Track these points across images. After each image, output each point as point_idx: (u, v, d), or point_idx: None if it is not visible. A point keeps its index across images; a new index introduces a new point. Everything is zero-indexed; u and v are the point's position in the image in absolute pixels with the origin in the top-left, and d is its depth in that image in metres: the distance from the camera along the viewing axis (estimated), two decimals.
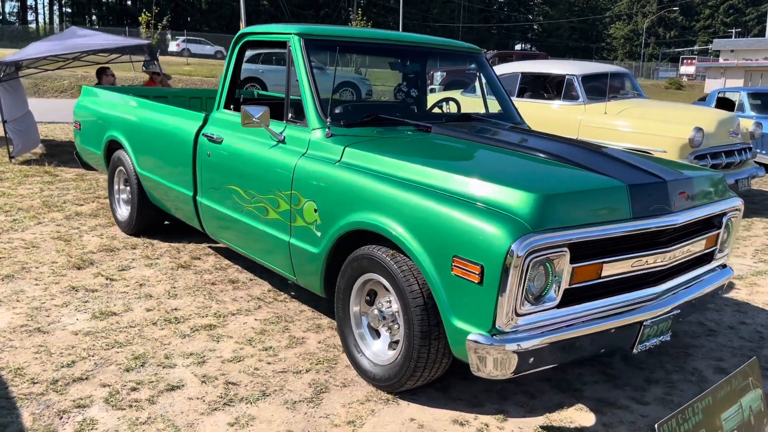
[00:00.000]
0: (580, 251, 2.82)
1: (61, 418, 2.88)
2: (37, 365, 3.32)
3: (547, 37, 74.78)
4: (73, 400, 3.01)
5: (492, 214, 2.74)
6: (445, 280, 2.85)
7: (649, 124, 7.70)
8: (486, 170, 3.12)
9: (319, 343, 3.77)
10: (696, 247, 3.42)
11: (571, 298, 2.88)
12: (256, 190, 3.92)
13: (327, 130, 3.63)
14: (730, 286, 5.18)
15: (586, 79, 8.64)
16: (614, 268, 2.96)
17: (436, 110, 5.20)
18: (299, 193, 3.60)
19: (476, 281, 2.71)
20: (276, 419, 2.96)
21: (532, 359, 2.79)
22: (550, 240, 2.66)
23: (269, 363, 3.50)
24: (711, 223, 3.59)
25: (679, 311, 3.28)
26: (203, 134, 4.43)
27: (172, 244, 5.48)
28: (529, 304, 2.73)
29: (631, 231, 2.95)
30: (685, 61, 59.13)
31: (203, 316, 4.05)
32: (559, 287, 2.78)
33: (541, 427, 3.04)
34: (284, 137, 3.85)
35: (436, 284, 2.88)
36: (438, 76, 18.47)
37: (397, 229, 3.02)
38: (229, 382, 3.26)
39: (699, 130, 7.41)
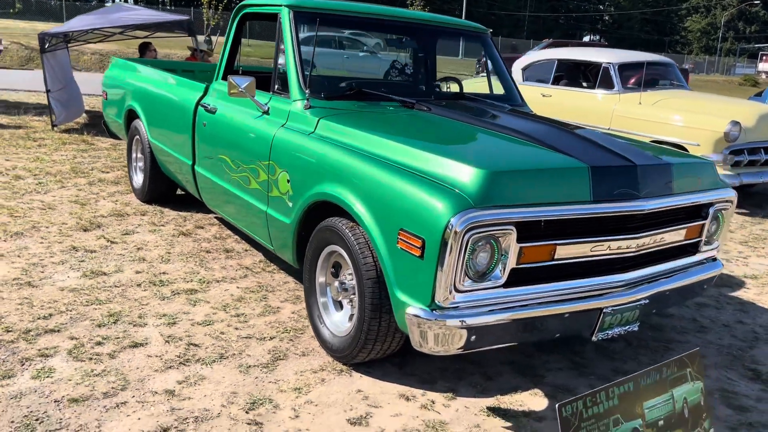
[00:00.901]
0: (529, 231, 2.76)
1: (23, 364, 3.02)
2: (16, 315, 3.48)
3: (618, 29, 72.52)
4: (39, 350, 3.15)
5: (438, 188, 2.71)
6: (392, 253, 2.84)
7: (683, 116, 7.41)
8: (445, 146, 3.08)
9: (293, 313, 3.82)
10: (672, 236, 3.30)
11: (521, 278, 2.83)
12: (241, 160, 3.99)
13: (306, 101, 3.65)
14: (733, 283, 4.96)
15: (624, 67, 8.37)
16: (570, 251, 2.88)
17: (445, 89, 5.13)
18: (275, 164, 3.64)
19: (418, 255, 2.69)
20: (225, 381, 3.02)
21: (474, 337, 2.75)
22: (492, 217, 2.61)
23: (236, 329, 3.57)
24: (697, 213, 3.44)
25: (648, 302, 3.17)
26: (201, 104, 4.52)
27: (180, 213, 5.62)
28: (471, 281, 2.69)
29: (590, 214, 2.86)
30: (764, 57, 56.35)
31: (188, 281, 4.16)
32: (505, 266, 2.73)
33: (488, 407, 3.00)
34: (268, 108, 3.89)
35: (384, 257, 2.88)
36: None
37: (353, 201, 3.03)
38: (192, 344, 3.35)
39: (736, 123, 7.08)
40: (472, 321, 2.70)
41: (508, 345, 2.94)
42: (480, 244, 2.65)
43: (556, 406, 2.02)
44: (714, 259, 3.71)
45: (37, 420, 2.61)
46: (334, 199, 3.14)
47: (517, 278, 2.81)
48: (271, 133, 3.71)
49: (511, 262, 2.74)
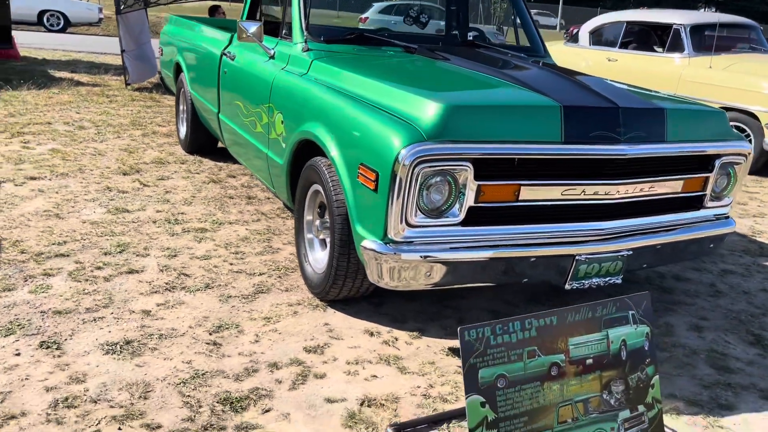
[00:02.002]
0: (490, 169, 2.71)
1: (26, 281, 3.29)
2: (35, 241, 3.78)
3: (735, 0, 67.52)
4: (44, 270, 3.42)
5: (395, 122, 2.70)
6: (353, 187, 2.87)
7: (750, 80, 6.90)
8: (416, 83, 3.06)
9: (290, 254, 3.93)
10: (666, 188, 3.13)
11: (483, 218, 2.79)
12: (250, 104, 4.11)
13: (304, 44, 3.71)
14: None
15: (696, 29, 7.87)
16: (537, 194, 2.81)
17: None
18: (274, 106, 3.73)
19: (372, 188, 2.71)
20: (202, 307, 3.17)
21: (429, 274, 2.75)
22: (444, 151, 2.58)
23: (231, 264, 3.71)
24: (699, 165, 3.25)
25: (631, 253, 3.04)
26: (223, 53, 4.67)
27: (217, 163, 5.85)
28: (426, 217, 2.68)
29: (557, 155, 2.77)
30: None
31: (202, 222, 4.35)
32: (463, 204, 2.70)
33: (450, 348, 2.99)
34: (274, 52, 3.97)
35: (347, 191, 2.91)
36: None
37: (326, 138, 3.07)
38: (183, 274, 3.52)
39: None
40: (424, 257, 2.69)
41: (472, 286, 2.91)
42: (435, 179, 2.63)
43: (458, 329, 2.01)
44: (726, 217, 3.49)
45: (19, 325, 2.85)
46: (313, 137, 3.19)
47: (478, 218, 2.77)
48: (272, 75, 3.80)
49: (469, 200, 2.71)
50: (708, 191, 3.30)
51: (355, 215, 2.87)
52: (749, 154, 3.36)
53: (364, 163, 2.77)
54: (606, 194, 2.93)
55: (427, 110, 2.66)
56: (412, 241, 2.70)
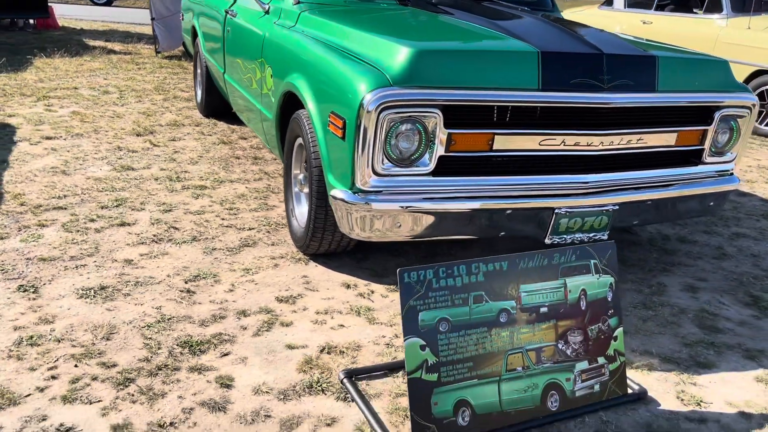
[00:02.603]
0: (460, 117, 2.63)
1: (20, 230, 3.38)
2: (36, 194, 3.88)
3: None
4: (39, 221, 3.51)
5: (364, 68, 2.65)
6: (325, 136, 2.84)
7: None
8: (393, 32, 2.98)
9: (284, 211, 3.93)
10: (658, 140, 3.00)
11: (456, 168, 2.72)
12: (247, 60, 4.10)
13: None
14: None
15: None
16: (512, 144, 2.72)
17: None
18: (265, 60, 3.71)
19: (340, 136, 2.67)
20: (184, 258, 3.21)
21: (400, 225, 2.71)
22: (411, 97, 2.52)
23: (223, 219, 3.74)
24: (697, 117, 3.10)
25: (617, 208, 2.93)
26: (227, 11, 4.66)
27: (231, 126, 5.89)
28: (394, 165, 2.63)
29: (532, 102, 2.67)
30: None
31: (203, 180, 4.39)
32: (433, 153, 2.64)
33: None
34: (269, 7, 3.94)
35: (320, 141, 2.88)
36: None
37: (304, 89, 3.04)
38: (173, 227, 3.56)
39: None
40: (393, 206, 2.65)
41: (448, 238, 2.86)
42: (404, 126, 2.57)
43: (398, 270, 1.97)
44: (730, 174, 3.32)
45: (2, 270, 2.93)
46: (294, 89, 3.16)
47: (450, 168, 2.71)
48: (265, 30, 3.77)
49: (440, 150, 2.64)
50: (707, 146, 3.15)
51: (327, 165, 2.84)
52: (754, 106, 3.18)
53: (333, 111, 2.73)
54: (588, 145, 2.82)
55: (396, 55, 2.59)
56: (381, 191, 2.66)
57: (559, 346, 2.19)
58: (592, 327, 2.25)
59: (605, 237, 3.00)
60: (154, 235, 3.43)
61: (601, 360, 2.26)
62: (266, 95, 3.70)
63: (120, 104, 6.43)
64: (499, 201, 2.76)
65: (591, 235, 2.97)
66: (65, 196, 3.89)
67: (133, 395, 2.15)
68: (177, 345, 2.45)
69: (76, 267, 3.02)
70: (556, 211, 2.82)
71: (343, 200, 2.68)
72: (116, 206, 3.79)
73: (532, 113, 2.71)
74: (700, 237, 3.98)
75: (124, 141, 5.14)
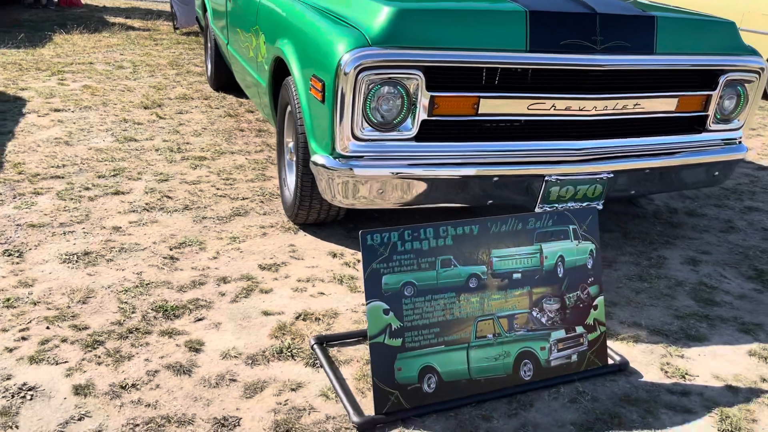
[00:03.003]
0: (444, 79, 2.55)
1: (15, 198, 3.40)
2: (36, 164, 3.90)
3: None
4: (35, 189, 3.52)
5: (343, 28, 2.58)
6: (308, 100, 2.78)
7: None
8: None
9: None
10: (657, 105, 2.87)
11: (440, 134, 2.64)
12: (245, 29, 4.05)
13: None
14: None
15: None
16: (499, 108, 2.63)
17: None
18: (259, 27, 3.65)
19: (320, 99, 2.61)
20: (173, 226, 3.19)
21: (383, 191, 2.65)
22: (389, 57, 2.44)
23: (218, 189, 3.72)
24: (700, 82, 2.96)
25: (611, 176, 2.82)
26: None
27: (240, 99, 5.86)
28: (374, 130, 2.56)
29: (519, 64, 2.57)
30: None
31: (204, 151, 4.37)
32: (415, 117, 2.57)
33: None
34: None
35: (303, 105, 2.83)
36: None
37: (290, 53, 2.98)
38: (166, 196, 3.55)
39: None
40: (374, 172, 2.59)
41: (434, 206, 2.79)
42: (384, 89, 2.50)
43: (360, 233, 1.91)
44: (738, 143, 3.18)
45: None
46: (281, 53, 3.10)
47: (434, 133, 2.63)
48: None
49: (422, 113, 2.56)
50: (711, 112, 3.01)
51: (310, 131, 2.78)
52: (762, 70, 3.02)
53: (315, 74, 2.67)
54: (580, 110, 2.72)
55: (376, 15, 2.51)
56: (362, 156, 2.60)
57: (534, 313, 2.12)
58: (570, 295, 2.16)
59: (600, 207, 2.90)
60: (146, 204, 3.42)
61: (579, 329, 2.18)
62: (260, 63, 3.64)
63: (132, 78, 6.44)
64: (485, 168, 2.68)
65: (584, 204, 2.87)
66: (64, 165, 3.91)
67: (99, 357, 2.14)
68: (152, 309, 2.44)
69: (64, 233, 3.02)
70: (547, 178, 2.72)
71: (323, 166, 2.62)
72: (113, 176, 3.79)
73: (519, 76, 2.61)
74: (709, 210, 3.83)
75: (130, 114, 5.15)
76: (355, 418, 1.90)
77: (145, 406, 1.93)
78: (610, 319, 2.56)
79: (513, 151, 2.70)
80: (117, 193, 3.55)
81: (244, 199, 3.59)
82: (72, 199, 3.43)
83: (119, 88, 6.00)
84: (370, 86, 2.46)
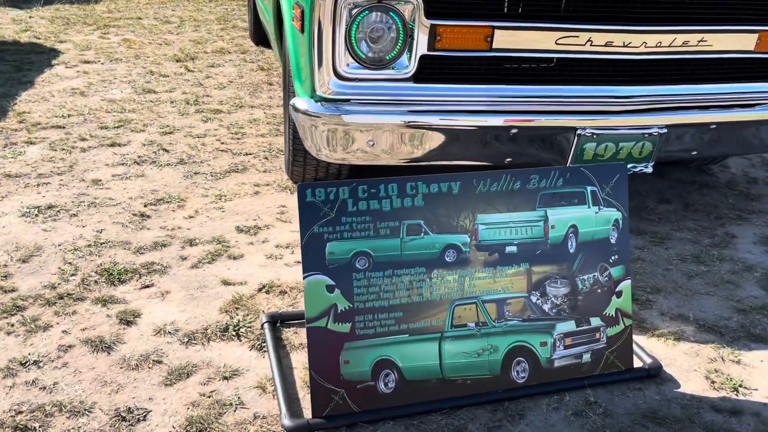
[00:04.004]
0: (448, 3, 2.06)
1: (5, 147, 3.17)
2: (41, 113, 3.67)
3: None
4: (29, 138, 3.28)
5: None
6: (292, 33, 2.36)
7: None
8: None
9: None
10: (726, 42, 2.28)
11: (445, 73, 2.16)
12: None
13: None
14: None
15: None
16: (519, 41, 2.12)
17: None
18: None
19: (299, 28, 2.19)
20: (159, 181, 2.87)
21: (373, 143, 2.21)
22: None
23: (222, 143, 3.37)
24: None
25: (665, 131, 2.27)
26: None
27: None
28: (362, 66, 2.11)
29: None
30: None
31: (222, 104, 4.03)
32: (413, 52, 2.10)
33: None
34: None
35: (289, 41, 2.41)
36: None
37: None
38: (164, 149, 3.23)
39: None
40: (358, 119, 2.15)
41: (439, 164, 2.32)
42: (373, 15, 2.04)
43: (298, 185, 1.48)
44: None
45: None
46: None
47: (436, 72, 2.15)
48: None
49: (421, 47, 2.09)
50: None
51: (294, 70, 2.36)
52: None
53: (297, 0, 2.24)
54: (626, 46, 2.16)
55: None
56: (348, 99, 2.16)
57: (533, 299, 1.64)
58: (585, 277, 1.67)
59: (648, 170, 2.36)
60: (139, 157, 3.12)
61: (595, 322, 1.68)
62: (270, 2, 3.24)
63: (175, 33, 6.19)
64: (501, 117, 2.18)
65: (629, 166, 2.33)
66: (70, 115, 3.66)
67: (12, 326, 1.82)
68: (96, 272, 2.11)
69: (38, 185, 2.75)
70: (580, 132, 2.20)
71: (303, 111, 2.20)
72: (116, 127, 3.51)
73: (547, 2, 2.09)
74: None
75: (160, 66, 4.88)
76: (286, 421, 1.50)
77: (40, 389, 1.60)
78: (648, 308, 2.04)
79: (536, 97, 2.19)
80: (113, 144, 3.26)
81: (247, 154, 3.22)
82: (64, 149, 3.16)
83: (157, 42, 5.75)
84: (354, 11, 2.00)
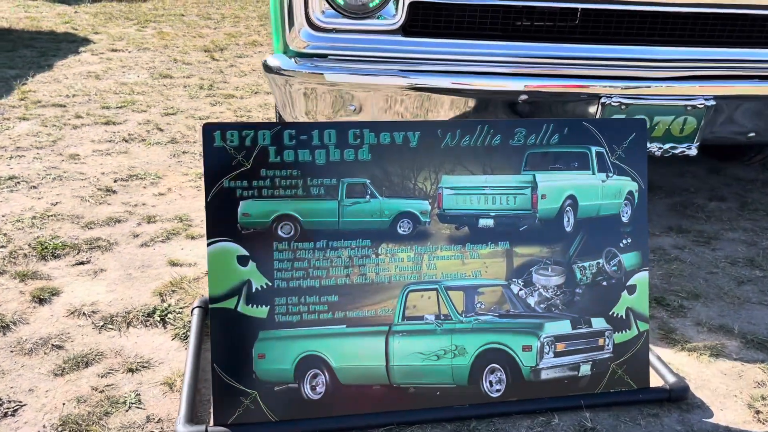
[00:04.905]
0: None
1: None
2: (46, 92, 3.51)
3: None
4: (25, 113, 3.12)
5: None
6: None
7: None
8: None
9: None
10: None
11: (440, 25, 1.82)
12: None
13: None
14: None
15: None
16: None
17: None
18: None
19: None
20: (141, 158, 2.64)
21: (355, 107, 1.88)
22: None
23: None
24: None
25: (715, 105, 1.86)
26: None
27: None
28: (339, 15, 1.80)
29: None
30: None
31: (237, 90, 3.80)
32: None
33: None
34: None
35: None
36: None
37: None
38: (158, 128, 3.00)
39: None
40: (337, 77, 1.82)
41: None
42: None
43: (203, 124, 1.17)
44: None
45: None
46: None
47: (430, 24, 1.81)
48: None
49: None
50: None
51: (272, 26, 2.06)
52: None
53: None
54: None
55: None
56: (325, 54, 1.84)
57: (514, 288, 1.26)
58: (585, 264, 1.28)
59: (691, 151, 1.94)
60: (129, 135, 2.89)
61: (598, 323, 1.29)
62: None
63: (213, 27, 6.06)
64: (506, 80, 1.81)
65: (668, 146, 1.92)
66: (75, 95, 3.49)
67: None
68: (30, 246, 1.85)
69: (12, 157, 2.55)
70: (604, 100, 1.81)
71: (275, 69, 1.89)
72: (119, 107, 3.31)
73: None
74: None
75: (186, 56, 4.71)
76: (180, 428, 1.17)
77: None
78: (680, 316, 1.62)
79: (550, 58, 1.81)
80: (108, 123, 3.05)
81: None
82: (55, 126, 2.97)
83: (191, 34, 5.62)
84: None
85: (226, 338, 1.17)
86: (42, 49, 4.65)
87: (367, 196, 1.21)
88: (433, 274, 1.23)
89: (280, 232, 1.19)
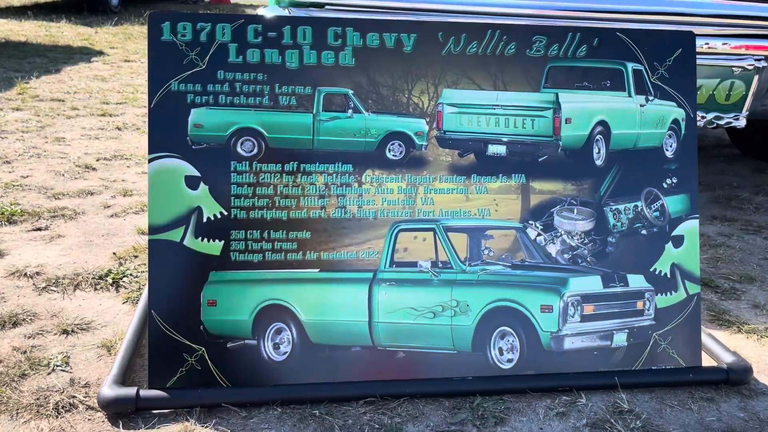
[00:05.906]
0: None
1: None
2: (49, 90, 3.38)
3: None
4: (19, 106, 2.97)
5: None
6: None
7: None
8: None
9: None
10: None
11: None
12: None
13: None
14: None
15: None
16: None
17: None
18: None
19: None
20: (131, 143, 2.46)
21: None
22: None
23: None
24: None
25: (766, 63, 1.63)
26: None
27: None
28: None
29: None
30: None
31: None
32: None
33: None
34: None
35: None
36: None
37: None
38: None
39: None
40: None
41: None
42: None
43: (149, 14, 0.96)
44: None
45: None
46: None
47: None
48: None
49: None
50: None
51: None
52: None
53: None
54: None
55: None
56: (323, 5, 1.65)
57: (531, 233, 1.02)
58: (620, 207, 1.03)
59: (741, 124, 1.69)
60: (124, 124, 2.73)
61: (636, 282, 1.03)
62: None
63: None
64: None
65: (711, 115, 1.68)
66: (76, 92, 3.35)
67: None
68: None
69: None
70: None
71: None
72: (119, 104, 3.17)
73: None
74: None
75: None
76: (104, 390, 0.92)
77: None
78: (733, 298, 1.36)
79: None
80: (103, 114, 2.90)
81: None
82: (47, 115, 2.82)
83: None
84: None
85: (167, 278, 0.94)
86: (54, 57, 4.57)
87: (350, 111, 0.98)
88: (429, 210, 0.99)
89: (239, 150, 0.96)
